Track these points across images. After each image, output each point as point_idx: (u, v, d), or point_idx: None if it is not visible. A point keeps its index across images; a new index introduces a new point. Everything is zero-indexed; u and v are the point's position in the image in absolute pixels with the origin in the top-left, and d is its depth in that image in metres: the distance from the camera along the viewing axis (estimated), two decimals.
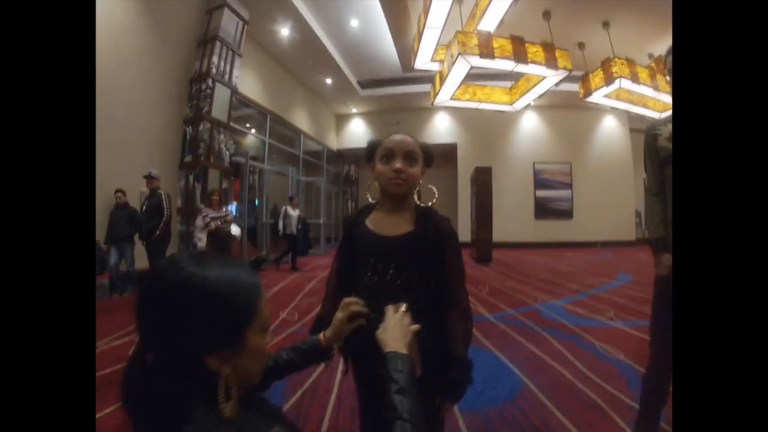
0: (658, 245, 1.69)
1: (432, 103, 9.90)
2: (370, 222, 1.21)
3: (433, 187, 1.42)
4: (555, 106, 12.95)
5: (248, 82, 8.49)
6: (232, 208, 6.00)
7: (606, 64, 8.41)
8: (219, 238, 5.16)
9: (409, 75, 12.23)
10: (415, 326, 0.90)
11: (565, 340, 3.60)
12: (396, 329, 0.87)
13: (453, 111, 13.92)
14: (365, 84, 12.86)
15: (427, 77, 11.87)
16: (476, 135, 13.98)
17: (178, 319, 0.55)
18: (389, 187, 1.15)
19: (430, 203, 1.30)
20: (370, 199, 1.28)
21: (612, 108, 11.09)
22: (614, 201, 13.10)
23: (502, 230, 11.37)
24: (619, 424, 2.13)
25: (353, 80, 12.09)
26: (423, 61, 8.91)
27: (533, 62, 7.37)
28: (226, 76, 7.14)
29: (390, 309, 0.92)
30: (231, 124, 7.27)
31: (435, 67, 9.09)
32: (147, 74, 6.09)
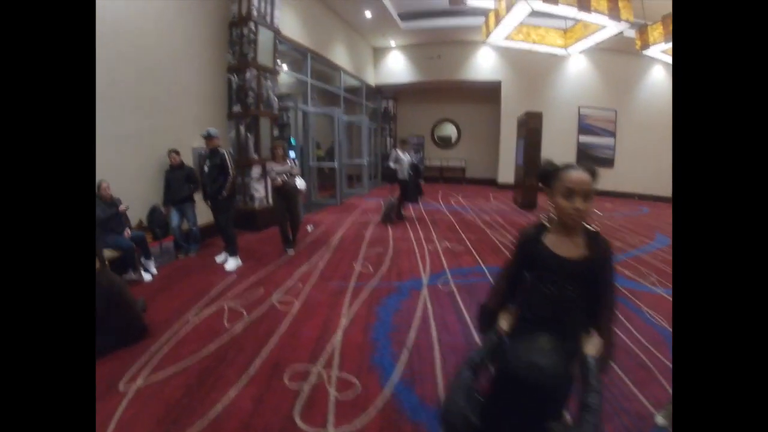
0: None
1: (484, 41, 9.13)
2: (548, 242, 1.41)
3: None
4: (604, 49, 11.61)
5: (286, 20, 7.98)
6: (294, 158, 5.82)
7: (666, 21, 7.44)
8: (285, 192, 5.07)
9: (454, 8, 11.35)
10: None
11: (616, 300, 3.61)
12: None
13: (497, 48, 12.71)
14: (405, 16, 11.94)
15: (473, 10, 11.04)
16: (521, 74, 12.95)
17: None
18: (569, 220, 1.34)
19: None
20: (546, 223, 1.45)
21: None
22: (655, 154, 12.18)
23: None
24: (666, 388, 2.41)
25: (394, 12, 11.22)
26: None
27: (596, 11, 6.70)
28: (268, 18, 6.70)
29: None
30: (276, 68, 6.93)
31: (489, 3, 8.30)
32: (183, 22, 5.72)
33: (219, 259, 4.91)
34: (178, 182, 5.10)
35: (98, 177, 4.14)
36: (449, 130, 15.48)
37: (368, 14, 10.87)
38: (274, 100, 6.87)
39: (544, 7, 6.62)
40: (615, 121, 12.68)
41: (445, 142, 15.51)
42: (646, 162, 12.30)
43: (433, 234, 6.40)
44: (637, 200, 12.10)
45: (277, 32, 6.91)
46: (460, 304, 3.69)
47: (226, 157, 4.57)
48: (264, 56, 6.55)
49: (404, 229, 6.67)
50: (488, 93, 14.16)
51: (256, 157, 6.45)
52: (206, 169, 4.67)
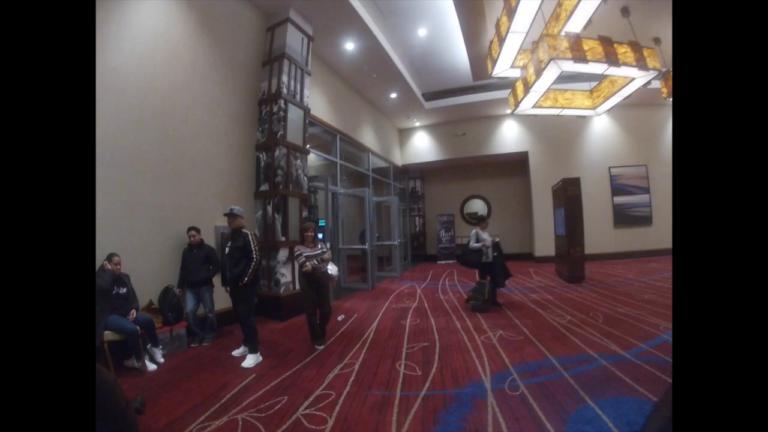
0: None
1: (512, 112, 8.95)
2: None
3: None
4: (626, 105, 11.47)
5: (315, 102, 7.92)
6: (326, 243, 5.21)
7: None
8: (315, 279, 4.40)
9: (476, 83, 11.51)
10: None
11: None
12: None
13: (520, 118, 12.93)
14: (429, 96, 12.11)
15: (495, 84, 11.29)
16: (547, 142, 12.80)
17: None
18: None
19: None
20: None
21: None
22: None
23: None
24: None
25: (418, 93, 11.35)
26: (503, 67, 8.03)
27: (624, 63, 6.50)
28: (297, 96, 6.56)
29: None
30: (308, 147, 6.65)
31: (515, 73, 8.21)
32: (211, 98, 5.57)
33: (237, 352, 4.18)
34: (197, 263, 4.56)
35: (108, 247, 3.85)
36: (479, 206, 14.95)
37: (393, 95, 10.98)
38: (304, 180, 6.49)
39: (574, 67, 6.40)
40: (647, 176, 12.26)
41: (475, 219, 14.87)
42: None
43: (482, 321, 5.50)
44: None
45: (306, 111, 6.72)
46: (538, 412, 2.77)
47: (250, 238, 4.00)
48: (294, 134, 6.29)
49: (448, 318, 5.79)
50: (516, 165, 13.93)
51: (283, 239, 5.91)
52: (227, 250, 4.08)
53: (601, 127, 12.62)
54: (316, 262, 4.36)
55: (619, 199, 12.25)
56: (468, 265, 6.33)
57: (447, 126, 13.61)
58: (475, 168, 14.61)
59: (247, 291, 3.99)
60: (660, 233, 12.07)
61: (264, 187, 6.03)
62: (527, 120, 12.80)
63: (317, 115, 8.03)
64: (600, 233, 11.90)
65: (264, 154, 6.11)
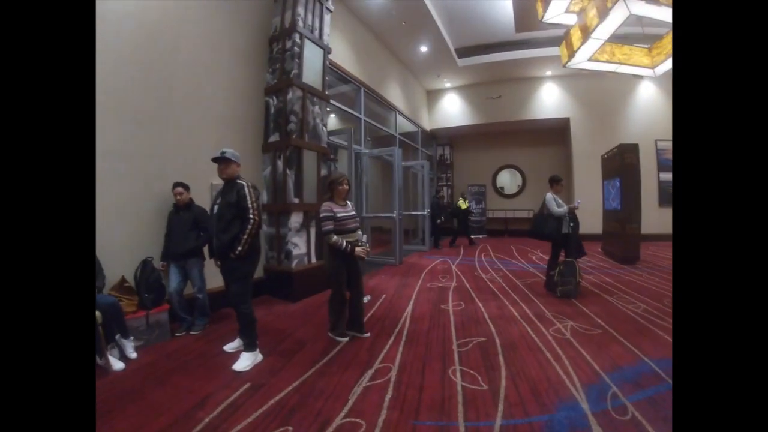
0: None
1: (564, 65, 7.51)
2: None
3: None
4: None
5: (336, 49, 6.63)
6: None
7: None
8: (347, 253, 3.22)
9: (518, 38, 10.04)
10: None
11: None
12: None
13: (563, 81, 11.51)
14: (462, 52, 10.59)
15: (538, 40, 10.04)
16: (590, 108, 11.24)
17: None
18: None
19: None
20: None
21: None
22: None
23: None
24: None
25: (451, 47, 9.87)
26: (557, 11, 6.60)
27: None
28: (316, 32, 5.29)
29: None
30: (326, 92, 5.40)
31: (569, 20, 6.77)
32: (211, 28, 4.38)
33: (230, 347, 3.12)
34: (183, 228, 3.48)
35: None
36: (513, 178, 13.52)
37: (424, 49, 9.56)
38: (323, 131, 5.27)
39: (646, 10, 5.22)
40: None
41: (509, 191, 13.51)
42: None
43: (543, 308, 4.30)
44: None
45: (327, 51, 5.45)
46: None
47: (246, 191, 2.81)
48: (311, 75, 5.05)
49: (498, 302, 4.61)
50: (554, 134, 12.44)
51: (296, 201, 4.74)
52: (216, 209, 2.90)
53: (648, 95, 11.02)
54: (352, 225, 3.24)
55: (665, 176, 10.60)
56: (541, 237, 5.03)
57: (480, 88, 12.08)
58: (510, 135, 13.06)
59: (242, 265, 2.83)
60: None
61: (274, 138, 4.85)
62: (569, 83, 11.41)
63: (341, 65, 6.77)
64: (646, 212, 10.41)
65: (274, 98, 4.90)
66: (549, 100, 11.66)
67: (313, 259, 4.97)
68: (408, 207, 9.96)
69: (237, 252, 2.74)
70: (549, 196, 4.98)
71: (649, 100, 11.04)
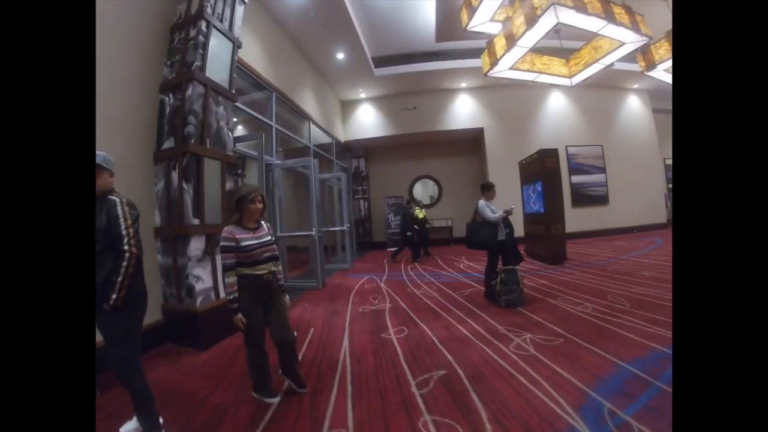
0: None
1: (486, 73, 7.59)
2: None
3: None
4: (584, 86, 10.97)
5: (248, 47, 5.83)
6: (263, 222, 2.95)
7: (671, 36, 6.65)
8: (263, 286, 2.48)
9: (435, 49, 10.28)
10: None
11: None
12: None
13: (476, 93, 11.93)
14: (379, 62, 10.32)
15: (456, 51, 10.38)
16: (503, 118, 11.86)
17: None
18: None
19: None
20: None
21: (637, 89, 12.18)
22: (645, 183, 12.09)
23: None
24: None
25: (369, 55, 9.52)
26: (482, 18, 6.66)
27: (621, 24, 5.70)
28: (226, 23, 4.47)
29: None
30: (233, 91, 4.55)
31: (492, 29, 6.88)
32: (104, 20, 3.38)
33: (126, 429, 2.18)
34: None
35: None
36: (419, 192, 13.52)
37: (340, 56, 9.07)
38: (228, 137, 4.41)
39: (574, 18, 5.37)
40: (603, 156, 12.00)
41: (426, 201, 13.45)
42: (637, 193, 11.95)
43: (492, 322, 3.95)
44: (636, 233, 11.67)
45: (237, 45, 4.64)
46: None
47: (119, 211, 1.94)
48: (216, 71, 4.21)
49: (442, 321, 4.15)
50: (469, 143, 12.86)
51: (196, 222, 3.81)
52: None
53: (557, 105, 12.10)
54: (266, 253, 2.48)
55: (576, 179, 11.76)
56: (476, 245, 4.80)
57: (396, 99, 11.92)
58: (425, 146, 13.09)
59: (121, 319, 1.94)
60: (616, 212, 11.87)
61: (168, 144, 3.89)
62: (483, 95, 11.90)
63: (250, 64, 5.94)
64: None
65: (171, 96, 3.97)
66: (463, 110, 11.94)
67: (222, 294, 4.05)
68: (325, 223, 9.27)
69: (112, 301, 1.87)
70: (482, 202, 4.81)
71: (560, 109, 11.97)
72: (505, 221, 4.80)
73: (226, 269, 2.35)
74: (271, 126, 6.72)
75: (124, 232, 1.91)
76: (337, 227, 9.39)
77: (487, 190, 4.88)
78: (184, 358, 3.47)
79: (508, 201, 5.02)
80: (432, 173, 13.40)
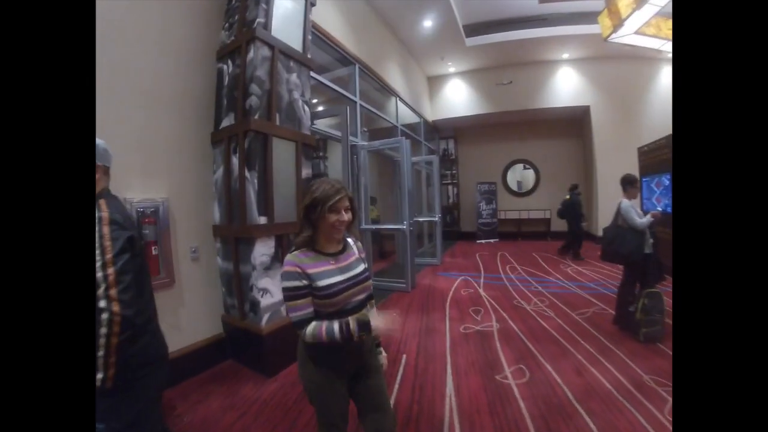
0: None
1: (606, 38, 6.11)
2: None
3: None
4: None
5: (326, 15, 4.97)
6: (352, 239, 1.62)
7: None
8: (350, 349, 1.42)
9: (536, 14, 8.50)
10: None
11: None
12: None
13: (581, 65, 9.91)
14: (470, 30, 8.93)
15: (560, 16, 8.46)
16: (613, 95, 9.68)
17: None
18: None
19: None
20: None
21: None
22: None
23: None
24: None
25: (460, 21, 8.22)
26: None
27: None
28: None
29: None
30: (309, 56, 3.67)
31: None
32: None
33: None
34: None
35: None
36: (526, 174, 11.89)
37: (427, 24, 7.88)
38: (305, 112, 3.55)
39: None
40: None
41: (521, 189, 11.87)
42: None
43: (632, 364, 2.71)
44: None
45: (310, 1, 3.76)
46: None
47: (96, 235, 1.10)
48: (286, 30, 3.34)
49: (573, 361, 2.97)
50: (570, 124, 10.94)
51: (261, 220, 3.00)
52: None
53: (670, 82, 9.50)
54: (359, 292, 1.44)
55: None
56: (619, 258, 3.58)
57: (489, 73, 10.40)
58: (522, 126, 11.43)
59: (117, 404, 1.12)
60: None
61: (228, 122, 3.12)
62: (588, 68, 9.85)
63: (329, 32, 5.08)
64: None
65: (230, 63, 3.20)
66: (566, 86, 10.04)
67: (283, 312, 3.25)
68: (416, 212, 8.30)
69: (98, 383, 1.07)
70: (626, 203, 3.53)
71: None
72: (653, 233, 3.49)
73: (299, 327, 1.32)
74: (356, 102, 5.83)
75: (100, 275, 1.08)
76: (424, 217, 8.37)
77: (630, 185, 3.60)
78: (245, 388, 2.73)
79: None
80: (528, 157, 11.72)
